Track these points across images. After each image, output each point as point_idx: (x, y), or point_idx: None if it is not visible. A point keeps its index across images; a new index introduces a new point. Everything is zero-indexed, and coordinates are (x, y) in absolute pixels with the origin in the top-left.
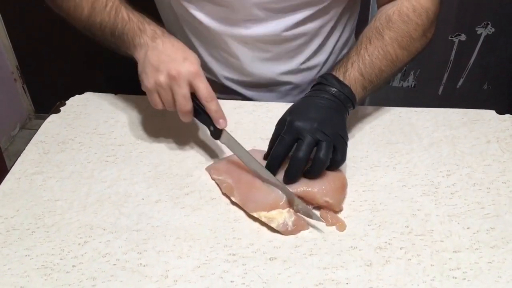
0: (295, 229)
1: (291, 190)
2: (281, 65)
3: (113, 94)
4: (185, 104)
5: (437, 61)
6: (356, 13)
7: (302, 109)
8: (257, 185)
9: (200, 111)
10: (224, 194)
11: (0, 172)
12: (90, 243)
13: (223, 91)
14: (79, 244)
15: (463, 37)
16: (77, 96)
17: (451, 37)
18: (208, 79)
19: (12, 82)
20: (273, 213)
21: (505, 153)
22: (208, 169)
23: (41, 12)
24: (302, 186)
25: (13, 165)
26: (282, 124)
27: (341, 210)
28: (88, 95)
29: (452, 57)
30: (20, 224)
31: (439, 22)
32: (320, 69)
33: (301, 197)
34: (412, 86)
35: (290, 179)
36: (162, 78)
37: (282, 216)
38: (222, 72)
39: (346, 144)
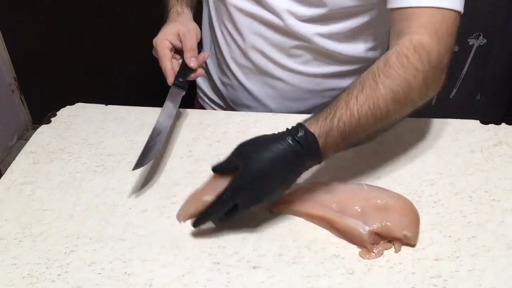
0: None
1: (367, 228)
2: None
3: (103, 105)
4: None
5: None
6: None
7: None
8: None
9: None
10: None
11: None
12: (76, 252)
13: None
14: (65, 253)
15: (455, 48)
16: (68, 107)
17: None
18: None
19: (10, 93)
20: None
21: (488, 162)
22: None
23: (39, 24)
24: (377, 222)
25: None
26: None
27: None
28: (78, 106)
29: None
30: (8, 233)
31: None
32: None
33: (377, 233)
34: None
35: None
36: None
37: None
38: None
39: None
